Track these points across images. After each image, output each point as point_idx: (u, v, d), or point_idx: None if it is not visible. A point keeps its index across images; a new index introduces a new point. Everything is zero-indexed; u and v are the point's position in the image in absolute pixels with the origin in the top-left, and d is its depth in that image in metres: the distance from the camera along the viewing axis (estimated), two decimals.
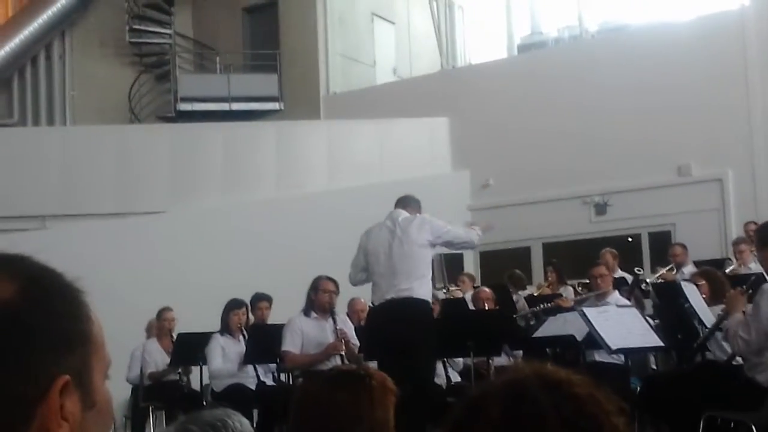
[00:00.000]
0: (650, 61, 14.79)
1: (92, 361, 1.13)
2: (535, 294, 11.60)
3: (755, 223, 11.86)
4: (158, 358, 9.89)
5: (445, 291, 12.38)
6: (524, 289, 12.20)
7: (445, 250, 8.90)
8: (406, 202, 7.21)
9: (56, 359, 1.08)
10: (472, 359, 7.71)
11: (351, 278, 7.49)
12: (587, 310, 6.39)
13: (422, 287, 6.84)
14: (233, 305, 8.97)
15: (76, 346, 1.11)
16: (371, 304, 7.41)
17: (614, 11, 18.16)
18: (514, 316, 9.65)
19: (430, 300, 6.98)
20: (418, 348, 6.48)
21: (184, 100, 17.90)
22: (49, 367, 1.07)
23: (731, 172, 14.31)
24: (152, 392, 9.75)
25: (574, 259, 13.95)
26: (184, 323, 9.85)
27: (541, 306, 10.36)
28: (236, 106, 17.90)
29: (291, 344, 7.91)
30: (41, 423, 1.06)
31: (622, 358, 7.24)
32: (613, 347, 6.16)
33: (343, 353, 7.72)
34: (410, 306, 6.76)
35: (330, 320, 8.07)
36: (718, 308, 7.51)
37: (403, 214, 7.05)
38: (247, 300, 9.55)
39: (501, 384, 1.40)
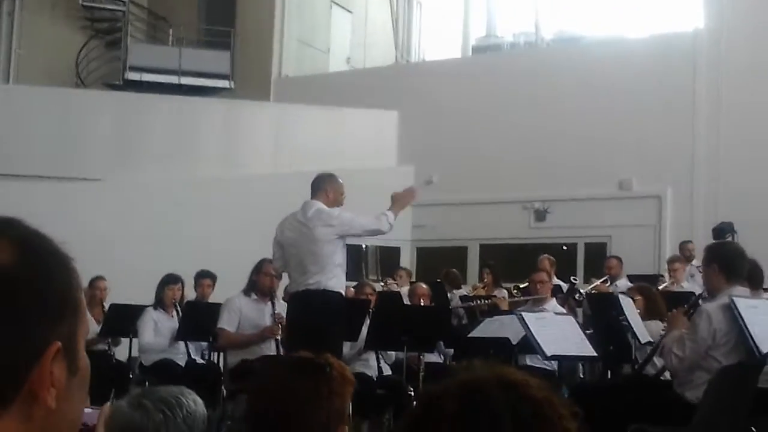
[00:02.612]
0: (602, 74, 14.96)
1: (78, 328, 1.13)
2: (470, 294, 11.69)
3: (691, 243, 12.14)
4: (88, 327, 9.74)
5: (382, 284, 12.40)
6: (459, 288, 12.27)
7: (373, 240, 8.87)
8: (315, 186, 7.15)
9: (51, 326, 1.08)
10: (405, 354, 7.73)
11: (273, 266, 7.57)
12: (525, 315, 6.44)
13: (330, 279, 6.87)
14: (168, 280, 8.87)
15: (67, 312, 1.11)
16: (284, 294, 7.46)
17: (571, 22, 18.34)
18: (450, 307, 9.70)
19: (340, 291, 7.00)
20: (326, 338, 6.56)
21: (133, 69, 17.64)
22: (43, 333, 1.07)
23: (670, 191, 14.55)
24: None
25: (511, 262, 14.10)
26: (118, 295, 9.71)
27: (477, 302, 10.48)
28: (186, 81, 17.69)
29: (227, 322, 7.86)
30: (31, 388, 1.05)
31: (555, 364, 7.32)
32: (549, 353, 6.22)
33: (278, 337, 7.69)
34: (318, 297, 6.81)
35: (269, 303, 8.05)
36: (652, 323, 7.65)
37: (314, 206, 7.01)
38: (186, 276, 9.46)
39: (459, 382, 1.41)
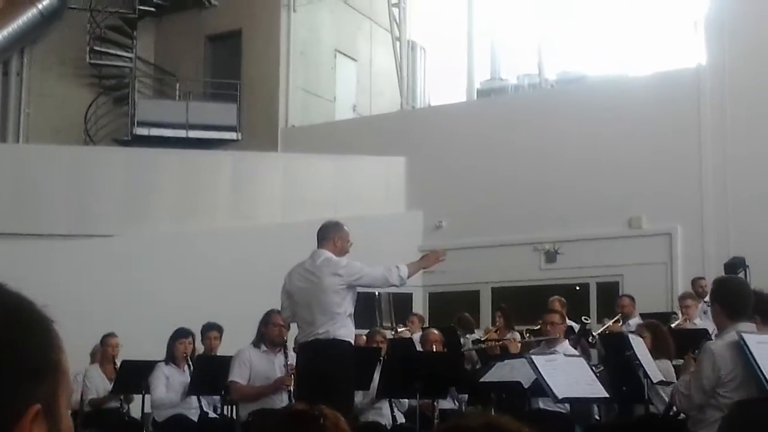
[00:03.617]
0: (607, 113, 15.01)
1: (59, 390, 1.14)
2: (483, 338, 11.65)
3: (703, 279, 12.07)
4: (99, 384, 9.72)
5: (393, 332, 12.36)
6: (472, 332, 12.25)
7: (390, 289, 8.88)
8: (321, 235, 7.19)
9: (30, 388, 1.09)
10: (418, 401, 7.69)
11: (282, 316, 7.60)
12: (535, 358, 6.41)
13: (339, 328, 6.88)
14: (179, 334, 8.87)
15: (47, 375, 1.12)
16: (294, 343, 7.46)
17: (574, 62, 18.44)
18: (462, 350, 9.66)
19: (349, 339, 7.00)
20: (336, 387, 6.59)
21: (141, 124, 17.80)
22: (23, 395, 1.08)
23: (680, 227, 14.52)
24: (92, 419, 9.57)
25: (523, 305, 14.05)
26: (130, 351, 9.71)
27: (488, 344, 10.43)
28: (193, 134, 17.84)
29: (239, 375, 7.84)
30: None
31: (567, 407, 7.28)
32: (560, 396, 6.18)
33: (291, 388, 7.67)
34: (327, 347, 6.83)
35: (280, 354, 8.03)
36: (660, 362, 7.61)
37: (322, 255, 7.04)
38: (197, 329, 9.46)
39: (447, 427, 1.42)
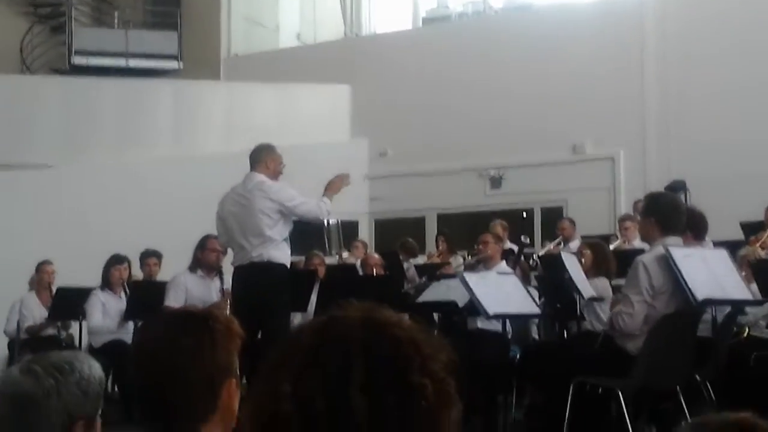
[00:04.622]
0: (551, 40, 14.98)
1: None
2: (425, 262, 11.70)
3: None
4: (36, 311, 9.64)
5: (338, 257, 12.39)
6: (415, 257, 12.28)
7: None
8: (254, 158, 7.16)
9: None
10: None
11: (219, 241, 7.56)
12: (467, 275, 6.44)
13: (272, 250, 6.87)
14: (115, 260, 8.81)
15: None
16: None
17: None
18: (404, 289, 9.69)
19: (284, 262, 6.98)
20: (272, 309, 6.61)
21: (79, 53, 17.38)
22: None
23: (623, 153, 14.61)
24: (29, 346, 9.48)
25: (469, 230, 14.07)
26: (70, 280, 9.61)
27: (429, 275, 10.46)
28: (133, 63, 17.46)
29: (174, 300, 7.81)
30: None
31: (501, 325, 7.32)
32: (491, 312, 6.21)
33: (227, 313, 7.64)
34: (262, 270, 6.85)
35: (216, 279, 8.00)
36: (599, 280, 7.68)
37: (255, 179, 7.00)
38: (137, 258, 9.38)
39: (324, 318, 1.41)
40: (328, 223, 15.77)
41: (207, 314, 2.31)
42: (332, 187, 7.24)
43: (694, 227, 6.78)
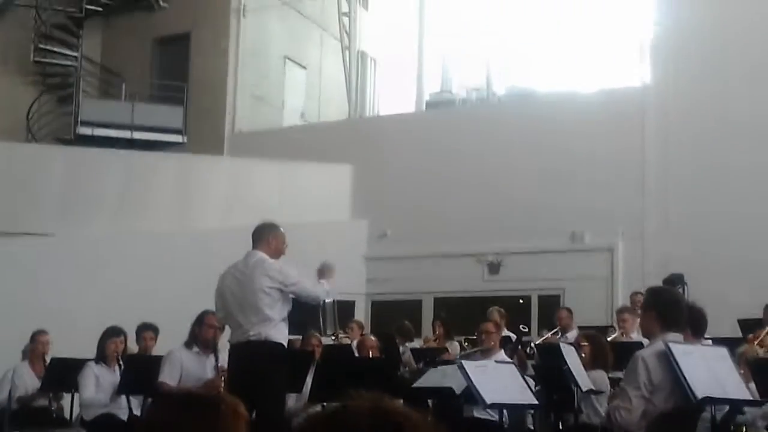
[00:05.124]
0: (553, 128, 15.12)
1: None
2: (422, 347, 11.64)
3: (641, 294, 12.13)
4: (29, 382, 9.53)
5: (333, 337, 12.30)
6: (411, 341, 12.21)
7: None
8: (256, 236, 7.16)
9: None
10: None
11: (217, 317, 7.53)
12: (465, 363, 6.40)
13: (270, 330, 6.83)
14: (110, 333, 8.73)
15: None
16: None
17: (523, 77, 18.53)
18: (401, 371, 9.63)
19: (281, 342, 6.94)
20: (268, 389, 6.56)
21: (85, 124, 17.56)
22: None
23: (621, 243, 14.65)
24: (20, 417, 9.38)
25: (465, 315, 14.05)
26: (64, 350, 9.53)
27: (428, 360, 10.39)
28: (138, 135, 17.64)
29: (169, 376, 7.71)
30: None
31: (500, 415, 7.26)
32: (489, 401, 6.17)
33: (221, 391, 7.56)
34: (259, 348, 6.79)
35: (212, 356, 7.92)
36: (597, 372, 7.64)
37: (255, 256, 7.00)
38: (133, 331, 9.32)
39: (335, 408, 1.43)
40: (324, 302, 15.74)
41: (215, 397, 2.31)
42: (323, 274, 7.27)
43: (693, 324, 6.75)
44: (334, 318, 15.91)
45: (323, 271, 7.31)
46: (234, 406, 2.30)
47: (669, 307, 5.94)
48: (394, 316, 14.00)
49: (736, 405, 6.15)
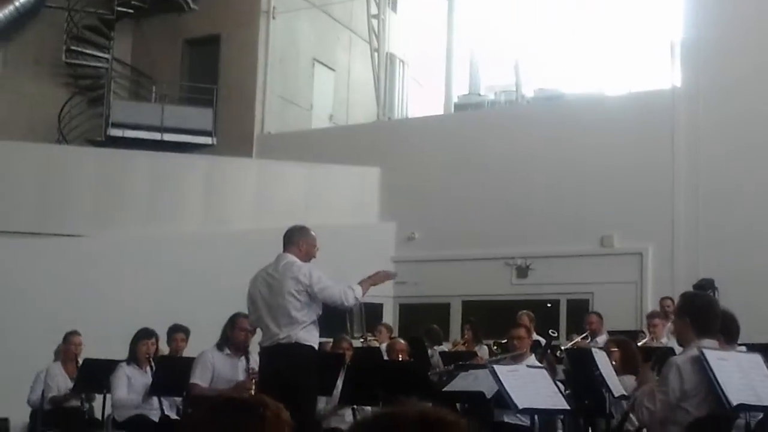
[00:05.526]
0: (582, 131, 15.05)
1: None
2: (450, 350, 11.62)
3: (671, 299, 12.09)
4: (61, 382, 9.61)
5: (362, 340, 12.33)
6: (440, 344, 12.22)
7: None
8: (287, 239, 7.15)
9: None
10: (380, 408, 7.62)
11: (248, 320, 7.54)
12: (497, 367, 6.38)
13: (300, 332, 6.84)
14: (142, 335, 8.78)
15: None
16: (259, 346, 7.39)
17: (552, 79, 18.52)
18: (429, 373, 9.62)
19: (312, 344, 6.95)
20: (299, 392, 6.56)
21: (116, 125, 17.68)
22: None
23: (651, 248, 14.56)
24: (52, 417, 9.46)
25: (493, 319, 14.03)
26: (97, 351, 9.60)
27: (459, 363, 10.38)
28: (168, 137, 17.74)
29: (200, 377, 7.75)
30: None
31: (529, 420, 7.24)
32: (520, 406, 6.15)
33: (252, 393, 7.59)
34: (290, 351, 6.81)
35: (243, 359, 7.95)
36: (627, 378, 7.60)
37: (285, 259, 7.00)
38: (164, 332, 9.37)
39: (383, 413, 1.43)
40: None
41: (258, 401, 2.30)
42: (376, 278, 7.19)
43: (726, 330, 6.71)
44: (362, 321, 15.97)
45: (382, 276, 7.27)
46: (277, 411, 2.30)
47: (703, 313, 5.92)
48: (421, 320, 14.01)
49: None
